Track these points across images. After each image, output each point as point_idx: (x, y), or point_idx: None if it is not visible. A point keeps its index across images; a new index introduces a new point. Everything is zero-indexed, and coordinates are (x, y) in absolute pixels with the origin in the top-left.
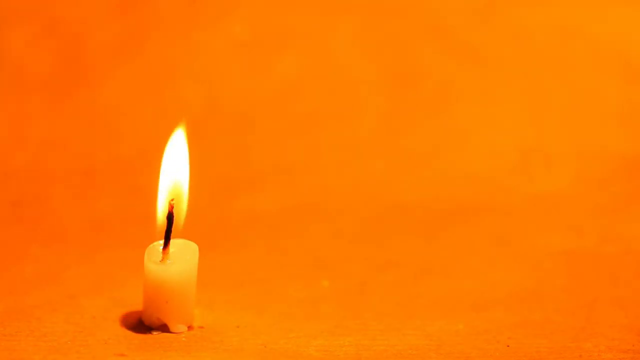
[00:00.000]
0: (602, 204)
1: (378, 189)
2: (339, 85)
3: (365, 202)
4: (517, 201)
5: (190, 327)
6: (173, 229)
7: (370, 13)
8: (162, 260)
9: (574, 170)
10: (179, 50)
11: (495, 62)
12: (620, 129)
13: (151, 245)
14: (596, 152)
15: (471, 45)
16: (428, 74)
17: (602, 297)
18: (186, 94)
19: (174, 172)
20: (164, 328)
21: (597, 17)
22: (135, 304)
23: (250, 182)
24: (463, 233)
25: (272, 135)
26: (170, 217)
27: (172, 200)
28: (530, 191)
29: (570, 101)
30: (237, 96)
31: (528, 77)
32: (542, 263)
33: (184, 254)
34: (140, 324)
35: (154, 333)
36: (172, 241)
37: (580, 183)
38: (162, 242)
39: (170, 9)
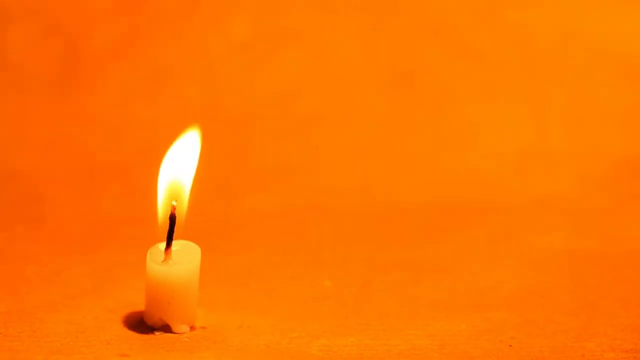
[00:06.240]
0: (602, 204)
1: (378, 189)
2: (339, 85)
3: (365, 202)
4: (517, 201)
5: (192, 328)
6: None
7: (370, 13)
8: (165, 260)
9: (574, 170)
10: (179, 50)
11: (496, 62)
12: (620, 129)
13: (153, 246)
14: (596, 152)
15: (471, 45)
16: (428, 74)
17: (604, 297)
18: (186, 94)
19: (176, 173)
20: (166, 328)
21: (597, 17)
22: (137, 304)
23: (251, 182)
24: (464, 233)
25: (272, 135)
26: (172, 218)
27: (174, 201)
28: (530, 191)
29: (570, 101)
30: (237, 96)
31: (528, 77)
32: (543, 263)
33: (186, 255)
34: (142, 325)
35: (157, 333)
36: (174, 242)
37: (580, 183)
38: (164, 242)
39: (170, 9)
